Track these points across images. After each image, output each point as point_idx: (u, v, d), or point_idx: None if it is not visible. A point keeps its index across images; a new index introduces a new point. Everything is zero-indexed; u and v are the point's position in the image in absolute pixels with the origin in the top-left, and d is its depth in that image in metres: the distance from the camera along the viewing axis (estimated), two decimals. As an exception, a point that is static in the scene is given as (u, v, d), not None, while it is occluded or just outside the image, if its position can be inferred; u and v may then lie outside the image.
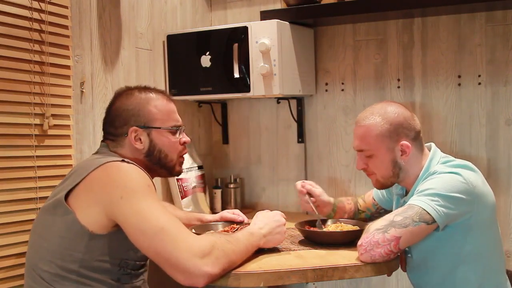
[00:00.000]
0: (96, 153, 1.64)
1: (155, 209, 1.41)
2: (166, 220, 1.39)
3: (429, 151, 1.74)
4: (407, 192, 1.75)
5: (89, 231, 1.42)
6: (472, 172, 1.61)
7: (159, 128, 1.62)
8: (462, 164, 1.63)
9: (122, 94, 1.67)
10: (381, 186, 1.76)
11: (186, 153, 1.73)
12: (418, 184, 1.65)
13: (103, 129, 1.67)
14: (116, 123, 1.62)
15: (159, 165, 1.65)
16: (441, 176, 1.58)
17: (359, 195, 2.37)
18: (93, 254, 1.43)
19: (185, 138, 1.70)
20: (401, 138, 1.67)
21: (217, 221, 1.92)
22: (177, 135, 1.67)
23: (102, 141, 1.67)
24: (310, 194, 1.96)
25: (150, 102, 1.64)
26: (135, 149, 1.61)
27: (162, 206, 1.44)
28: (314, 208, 1.94)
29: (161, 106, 1.65)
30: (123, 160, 1.49)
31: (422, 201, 1.52)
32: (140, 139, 1.61)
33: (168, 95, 1.73)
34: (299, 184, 1.98)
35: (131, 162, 1.51)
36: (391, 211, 1.84)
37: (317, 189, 1.98)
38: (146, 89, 1.68)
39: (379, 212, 2.01)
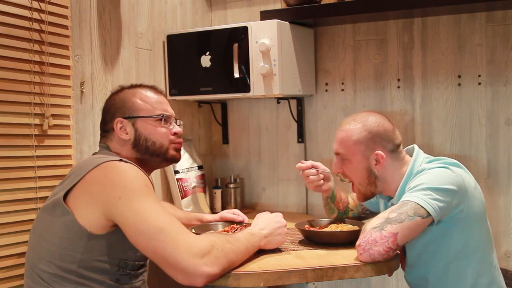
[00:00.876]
0: (96, 153, 1.64)
1: (154, 209, 1.41)
2: (165, 220, 1.39)
3: (412, 153, 1.74)
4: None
5: (88, 231, 1.42)
6: (460, 168, 1.63)
7: (143, 117, 1.62)
8: (450, 161, 1.65)
9: (113, 92, 1.71)
10: (363, 197, 1.77)
11: (180, 142, 1.70)
12: (405, 185, 1.66)
13: (100, 128, 1.69)
14: (106, 119, 1.65)
15: (149, 154, 1.62)
16: (431, 171, 1.60)
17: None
18: (92, 254, 1.43)
19: (176, 128, 1.67)
20: (377, 147, 1.69)
21: (217, 221, 1.92)
22: (164, 123, 1.64)
23: (100, 141, 1.68)
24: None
25: (136, 94, 1.65)
26: (122, 141, 1.61)
27: (161, 206, 1.44)
28: (324, 170, 1.93)
29: (147, 97, 1.65)
30: (121, 160, 1.49)
31: (415, 196, 1.53)
32: (126, 130, 1.61)
33: (159, 88, 1.72)
34: (299, 164, 1.95)
35: (129, 161, 1.50)
36: (377, 213, 1.85)
37: (316, 162, 1.97)
38: (136, 85, 1.70)
39: (364, 212, 2.01)
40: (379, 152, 1.68)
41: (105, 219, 1.42)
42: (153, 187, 1.50)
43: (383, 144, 1.69)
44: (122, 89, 1.70)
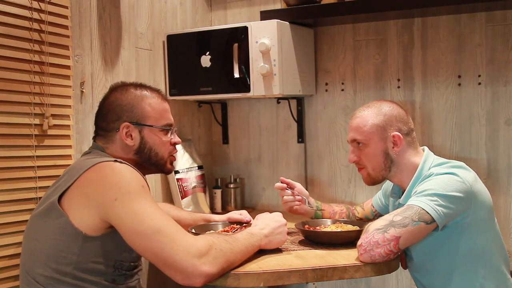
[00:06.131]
0: (89, 153, 1.61)
1: (150, 210, 1.40)
2: (163, 221, 1.39)
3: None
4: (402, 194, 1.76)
5: (83, 233, 1.41)
6: (467, 171, 1.63)
7: (151, 126, 1.62)
8: (457, 164, 1.66)
9: (117, 89, 1.66)
10: (371, 180, 1.78)
11: (176, 153, 1.72)
12: (414, 186, 1.66)
13: (95, 124, 1.66)
14: (108, 118, 1.61)
15: (149, 163, 1.63)
16: (438, 177, 1.60)
17: (358, 197, 2.38)
18: (87, 256, 1.42)
19: (176, 138, 1.69)
20: (394, 129, 1.72)
21: (224, 221, 1.91)
22: (169, 135, 1.66)
23: (94, 139, 1.65)
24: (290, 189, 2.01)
25: (145, 99, 1.63)
26: (126, 146, 1.60)
27: (157, 207, 1.43)
28: (301, 192, 1.99)
29: (155, 105, 1.64)
30: (116, 160, 1.47)
31: (421, 201, 1.53)
32: (131, 136, 1.59)
33: (163, 94, 1.72)
34: (277, 184, 2.00)
35: (124, 162, 1.48)
36: None
37: (295, 183, 2.03)
38: (141, 86, 1.68)
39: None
40: (396, 133, 1.71)
41: (100, 221, 1.41)
42: (149, 187, 1.49)
43: (399, 127, 1.72)
44: (126, 87, 1.65)
